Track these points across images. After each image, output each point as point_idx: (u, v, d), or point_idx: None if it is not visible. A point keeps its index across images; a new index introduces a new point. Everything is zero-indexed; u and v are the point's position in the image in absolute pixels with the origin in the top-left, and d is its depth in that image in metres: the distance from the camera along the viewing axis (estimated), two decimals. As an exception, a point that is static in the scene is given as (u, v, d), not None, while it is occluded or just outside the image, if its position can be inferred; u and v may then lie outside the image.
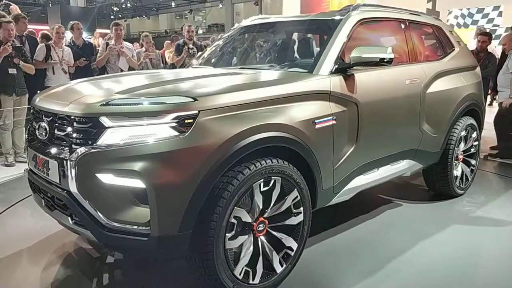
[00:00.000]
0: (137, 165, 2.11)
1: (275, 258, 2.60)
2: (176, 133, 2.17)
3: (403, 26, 3.72)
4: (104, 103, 2.26)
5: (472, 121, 4.29)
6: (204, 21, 35.19)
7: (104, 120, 2.20)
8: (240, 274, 2.43)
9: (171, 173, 2.14)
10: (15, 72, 5.49)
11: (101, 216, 2.22)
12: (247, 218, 2.43)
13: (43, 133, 2.52)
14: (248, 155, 2.40)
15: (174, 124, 2.18)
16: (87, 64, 6.34)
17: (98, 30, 12.09)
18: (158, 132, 2.17)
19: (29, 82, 5.74)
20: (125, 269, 2.93)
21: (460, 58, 4.31)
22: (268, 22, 3.83)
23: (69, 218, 2.39)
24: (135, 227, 2.19)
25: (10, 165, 5.58)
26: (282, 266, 2.64)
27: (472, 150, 4.40)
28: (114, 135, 2.19)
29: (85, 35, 7.79)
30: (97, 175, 2.19)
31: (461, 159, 4.31)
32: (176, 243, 2.21)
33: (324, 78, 2.89)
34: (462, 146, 4.24)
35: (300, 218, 2.70)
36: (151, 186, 2.11)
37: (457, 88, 4.06)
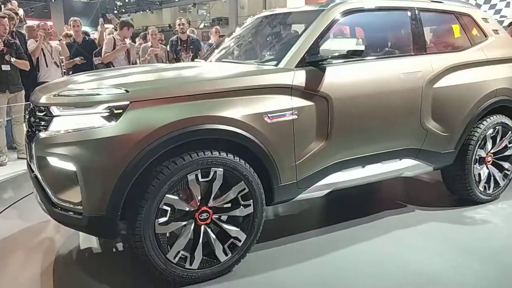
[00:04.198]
0: (70, 150, 2.36)
1: (218, 247, 2.67)
2: (106, 122, 2.37)
3: (409, 14, 3.44)
4: (55, 94, 2.55)
5: (505, 120, 3.80)
6: (208, 15, 34.18)
7: (53, 109, 2.49)
8: (174, 258, 2.56)
9: (97, 159, 2.35)
10: (9, 69, 5.44)
11: (51, 194, 2.53)
12: (182, 206, 2.55)
13: (27, 122, 2.92)
14: (187, 146, 2.50)
15: (106, 114, 2.38)
16: (84, 62, 6.50)
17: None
18: (92, 121, 2.39)
19: (25, 79, 5.79)
20: (120, 265, 3.02)
21: (494, 48, 3.83)
22: (262, 16, 3.83)
23: (38, 196, 2.74)
24: (72, 205, 2.45)
25: (1, 164, 5.41)
26: (226, 255, 2.71)
27: (507, 152, 3.91)
28: (60, 123, 2.46)
29: (88, 30, 7.82)
30: (48, 158, 2.50)
31: (490, 162, 3.86)
32: (104, 223, 2.42)
33: (286, 72, 2.85)
34: (488, 147, 3.79)
35: (249, 210, 2.73)
36: (79, 170, 2.34)
37: (481, 83, 3.63)
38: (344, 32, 3.78)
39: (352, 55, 2.87)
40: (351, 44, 2.81)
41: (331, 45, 2.86)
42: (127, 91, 2.43)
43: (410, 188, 4.46)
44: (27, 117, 2.90)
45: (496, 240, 3.27)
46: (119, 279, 2.78)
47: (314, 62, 2.93)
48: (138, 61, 6.70)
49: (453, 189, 3.89)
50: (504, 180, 3.93)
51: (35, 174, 2.67)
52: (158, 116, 2.42)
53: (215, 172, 2.58)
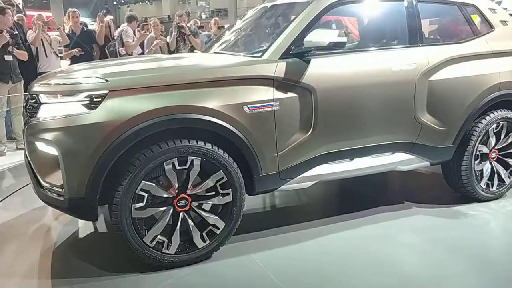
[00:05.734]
0: (53, 136, 2.51)
1: (196, 234, 2.75)
2: (86, 110, 2.49)
3: (406, 5, 3.36)
4: (44, 82, 2.71)
5: (510, 115, 3.64)
6: (207, 6, 33.63)
7: (42, 97, 2.64)
8: (151, 242, 2.65)
9: (77, 145, 2.47)
10: (11, 59, 5.54)
11: (39, 177, 2.69)
12: (158, 192, 2.63)
13: (24, 109, 3.10)
14: (165, 134, 2.59)
15: (86, 102, 2.50)
16: (82, 54, 6.48)
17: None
18: (74, 109, 2.51)
19: (23, 69, 5.82)
20: (118, 250, 2.95)
21: (501, 40, 3.67)
22: (263, 8, 3.84)
23: (31, 180, 2.91)
24: (55, 188, 2.60)
25: (0, 154, 5.46)
26: (204, 242, 2.78)
27: (513, 149, 3.75)
28: (46, 110, 2.61)
29: (88, 21, 7.65)
30: (36, 142, 2.66)
31: (495, 158, 3.71)
32: (84, 206, 2.55)
33: (268, 63, 2.87)
34: (492, 142, 3.65)
35: (228, 199, 2.79)
36: (60, 154, 2.48)
37: (483, 75, 3.49)
38: (343, 24, 3.76)
39: (334, 47, 2.85)
40: (333, 36, 2.80)
41: (314, 37, 2.86)
42: (106, 80, 2.54)
43: (410, 184, 4.36)
44: (24, 105, 3.08)
45: (495, 242, 3.18)
46: (117, 264, 2.83)
47: (298, 54, 2.94)
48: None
49: (454, 185, 3.78)
50: (510, 178, 3.78)
51: (27, 159, 2.84)
52: (135, 105, 2.52)
53: (192, 160, 2.65)
